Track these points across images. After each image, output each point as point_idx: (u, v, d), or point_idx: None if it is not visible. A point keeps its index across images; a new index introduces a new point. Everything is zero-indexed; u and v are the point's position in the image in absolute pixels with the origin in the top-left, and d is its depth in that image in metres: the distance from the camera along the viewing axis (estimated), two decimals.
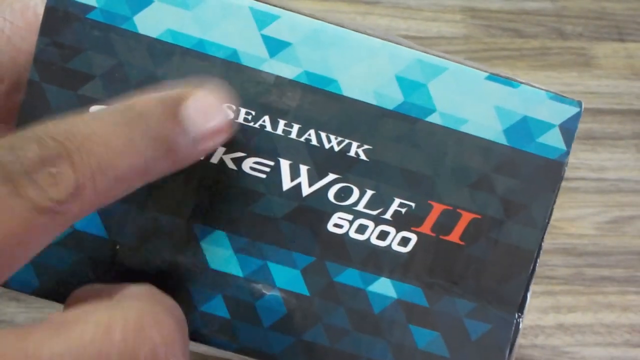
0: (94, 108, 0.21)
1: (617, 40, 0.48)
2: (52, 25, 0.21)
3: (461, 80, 0.22)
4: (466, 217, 0.22)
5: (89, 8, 0.21)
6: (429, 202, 0.22)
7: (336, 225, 0.22)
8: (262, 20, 0.21)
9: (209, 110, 0.19)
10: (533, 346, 0.38)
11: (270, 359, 0.22)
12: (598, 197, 0.43)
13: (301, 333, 0.22)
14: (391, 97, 0.21)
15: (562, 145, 0.22)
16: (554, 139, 0.22)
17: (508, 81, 0.22)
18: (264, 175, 0.21)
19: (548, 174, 0.22)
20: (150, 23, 0.21)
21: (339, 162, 0.22)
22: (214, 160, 0.21)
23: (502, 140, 0.22)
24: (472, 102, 0.22)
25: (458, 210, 0.22)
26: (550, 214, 0.22)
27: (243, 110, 0.22)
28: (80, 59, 0.21)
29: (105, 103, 0.21)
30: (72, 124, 0.17)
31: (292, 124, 0.21)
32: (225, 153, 0.21)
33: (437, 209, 0.22)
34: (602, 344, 0.38)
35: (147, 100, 0.18)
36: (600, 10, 0.50)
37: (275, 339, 0.22)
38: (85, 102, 0.21)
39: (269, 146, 0.21)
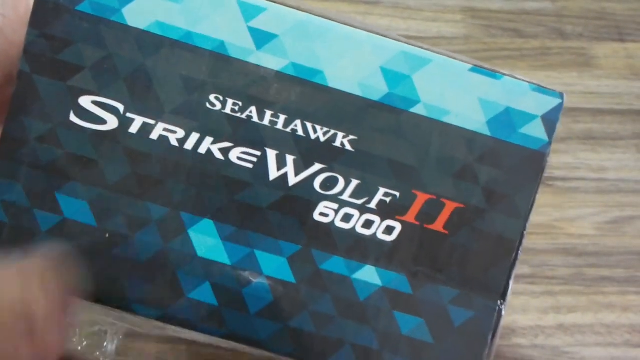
0: (83, 99, 0.22)
1: (617, 40, 0.48)
2: (42, 17, 0.21)
3: (445, 72, 0.22)
4: (450, 206, 0.22)
5: (78, 0, 0.21)
6: (413, 191, 0.22)
7: (322, 214, 0.22)
8: (249, 12, 0.22)
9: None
10: (533, 346, 0.38)
11: (257, 344, 0.22)
12: (598, 197, 0.43)
13: (288, 320, 0.22)
14: (376, 89, 0.22)
15: (544, 136, 0.22)
16: (536, 130, 0.22)
17: (491, 73, 0.22)
18: (251, 165, 0.22)
19: (530, 165, 0.22)
20: (138, 15, 0.21)
21: (325, 153, 0.22)
22: (202, 150, 0.22)
23: (486, 131, 0.22)
24: (456, 94, 0.22)
25: (442, 199, 0.22)
26: (533, 204, 0.22)
27: (230, 101, 0.22)
28: (70, 51, 0.21)
29: (95, 94, 0.22)
30: None
31: (279, 114, 0.22)
32: (212, 143, 0.22)
33: (421, 198, 0.22)
34: (603, 344, 0.38)
35: None
36: (601, 10, 0.49)
37: (262, 326, 0.22)
38: (75, 94, 0.22)
39: (256, 136, 0.22)
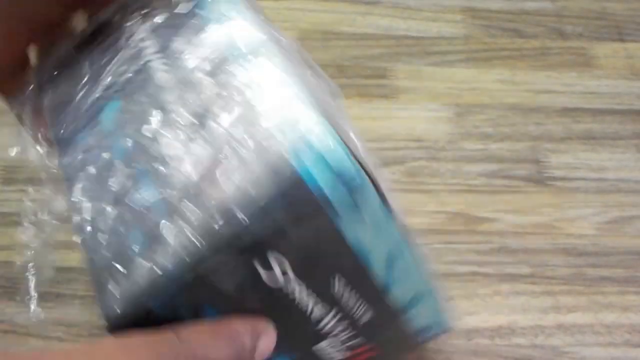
0: None
1: (617, 40, 0.48)
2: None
3: None
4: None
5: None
6: None
7: None
8: None
9: (271, 347, 0.24)
10: (533, 346, 0.38)
11: None
12: (598, 197, 0.43)
13: None
14: None
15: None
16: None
17: None
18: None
19: None
20: None
21: None
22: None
23: None
24: None
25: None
26: None
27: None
28: None
29: None
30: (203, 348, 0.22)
31: None
32: None
33: None
34: (602, 344, 0.38)
35: (239, 328, 0.23)
36: (601, 10, 0.50)
37: None
38: None
39: None
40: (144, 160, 0.22)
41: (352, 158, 0.20)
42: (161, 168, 0.21)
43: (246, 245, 0.21)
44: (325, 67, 0.25)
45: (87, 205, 0.22)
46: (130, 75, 0.23)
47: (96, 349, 0.20)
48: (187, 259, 0.20)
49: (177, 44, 0.23)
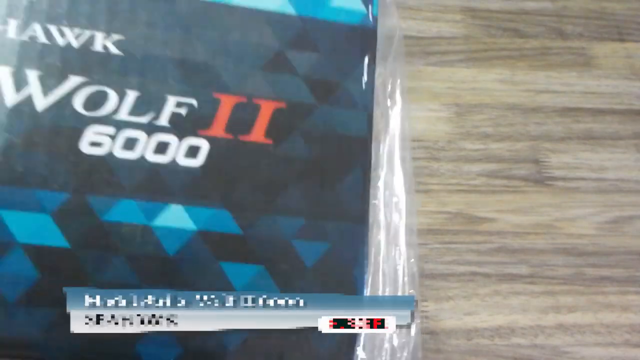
0: None
1: (617, 40, 0.48)
2: None
3: None
4: (267, 108, 0.17)
5: None
6: (215, 95, 0.17)
7: (93, 143, 0.16)
8: None
9: None
10: (533, 346, 0.38)
11: (25, 345, 0.16)
12: (598, 197, 0.43)
13: (63, 304, 0.15)
14: None
15: (360, 7, 0.18)
16: (350, 1, 0.17)
17: None
18: None
19: (354, 42, 0.17)
20: None
21: (82, 61, 0.16)
22: None
23: (290, 9, 0.17)
24: None
25: (254, 100, 0.17)
26: (372, 91, 0.17)
27: None
28: None
29: None
30: None
31: (9, 19, 0.16)
32: None
33: (227, 102, 0.16)
34: (602, 343, 0.38)
35: None
36: (600, 10, 0.49)
37: (27, 319, 0.15)
38: None
39: None
40: None
41: None
42: None
43: None
44: None
45: None
46: None
47: None
48: None
49: None
